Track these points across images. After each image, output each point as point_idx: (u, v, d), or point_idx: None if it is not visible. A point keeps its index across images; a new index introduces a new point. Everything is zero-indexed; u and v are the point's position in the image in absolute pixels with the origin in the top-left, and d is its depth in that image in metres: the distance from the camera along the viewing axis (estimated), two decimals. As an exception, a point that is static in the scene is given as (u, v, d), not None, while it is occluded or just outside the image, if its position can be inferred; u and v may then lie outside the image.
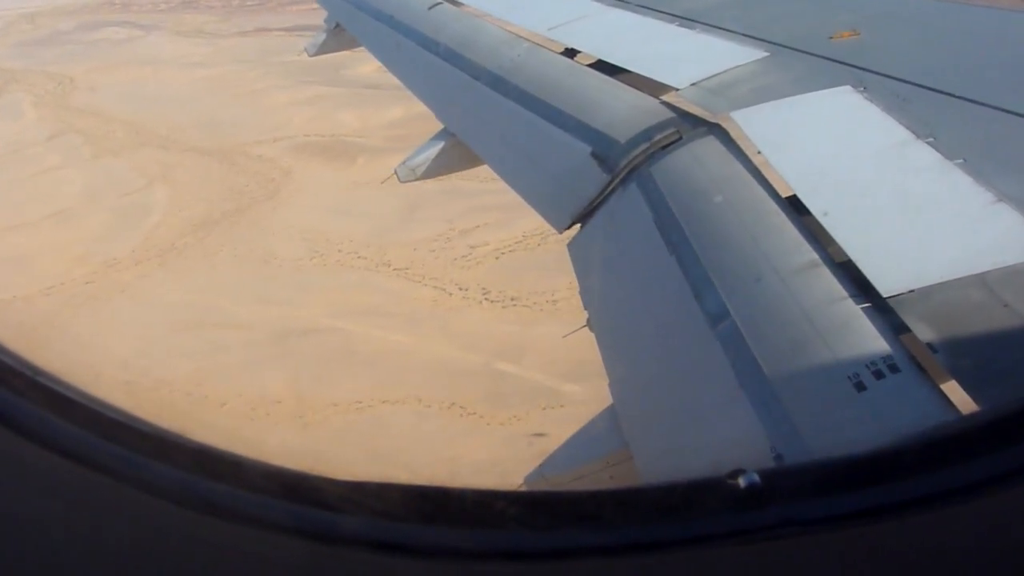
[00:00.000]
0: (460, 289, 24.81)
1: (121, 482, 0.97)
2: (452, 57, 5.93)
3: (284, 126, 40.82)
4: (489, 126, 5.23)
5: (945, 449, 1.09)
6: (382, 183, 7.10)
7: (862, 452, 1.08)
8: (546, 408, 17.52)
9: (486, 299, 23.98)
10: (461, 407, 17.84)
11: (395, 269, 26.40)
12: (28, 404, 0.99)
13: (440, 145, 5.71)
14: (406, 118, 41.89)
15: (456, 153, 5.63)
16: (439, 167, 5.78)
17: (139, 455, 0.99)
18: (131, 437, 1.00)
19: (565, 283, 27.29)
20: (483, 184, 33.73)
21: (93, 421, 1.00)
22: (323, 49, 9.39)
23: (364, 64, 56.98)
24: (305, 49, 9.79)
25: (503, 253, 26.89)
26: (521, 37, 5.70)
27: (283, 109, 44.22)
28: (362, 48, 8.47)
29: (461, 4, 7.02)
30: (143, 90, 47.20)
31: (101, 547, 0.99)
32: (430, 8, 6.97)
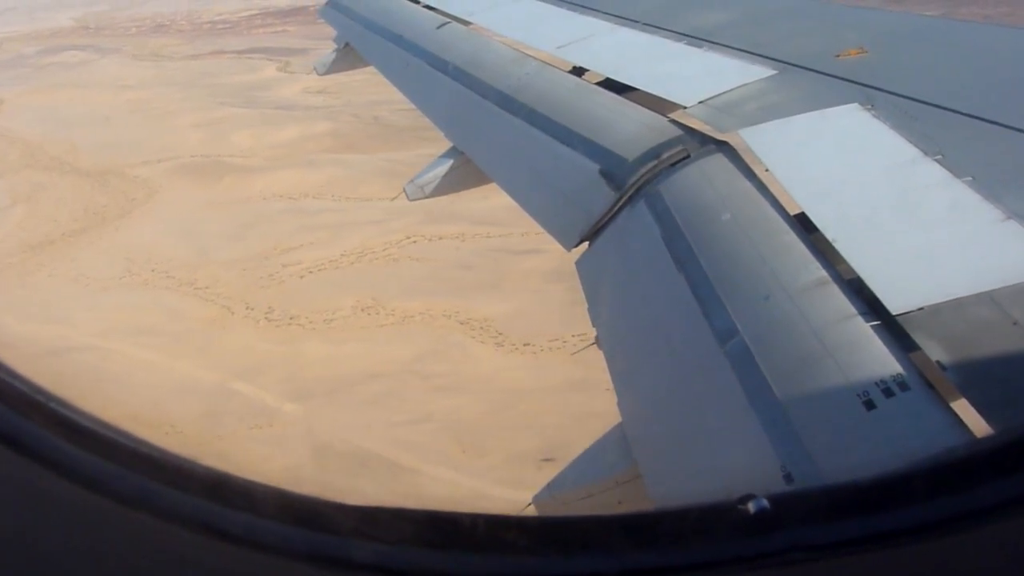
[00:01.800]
0: (247, 308, 24.78)
1: (137, 510, 0.96)
2: (460, 76, 5.90)
3: (176, 147, 40.53)
4: (497, 144, 5.20)
5: (957, 473, 1.05)
6: (391, 200, 7.31)
7: (872, 476, 1.04)
8: (254, 427, 18.14)
9: (266, 318, 24.12)
10: (171, 426, 18.09)
11: (196, 288, 26.17)
12: (44, 432, 0.97)
13: (449, 163, 5.65)
14: (297, 138, 42.22)
15: (464, 171, 5.58)
16: (447, 185, 5.78)
17: (154, 483, 0.98)
18: (146, 465, 0.98)
19: (350, 302, 27.51)
20: (328, 203, 33.65)
21: (108, 449, 0.99)
22: (333, 68, 9.35)
23: (290, 85, 57.22)
24: (315, 68, 9.69)
25: (311, 272, 27.17)
26: (529, 56, 5.69)
27: (184, 130, 43.98)
28: (360, 67, 8.57)
29: (469, 23, 6.98)
30: (63, 113, 47.98)
31: (118, 574, 0.98)
32: (438, 27, 6.98)
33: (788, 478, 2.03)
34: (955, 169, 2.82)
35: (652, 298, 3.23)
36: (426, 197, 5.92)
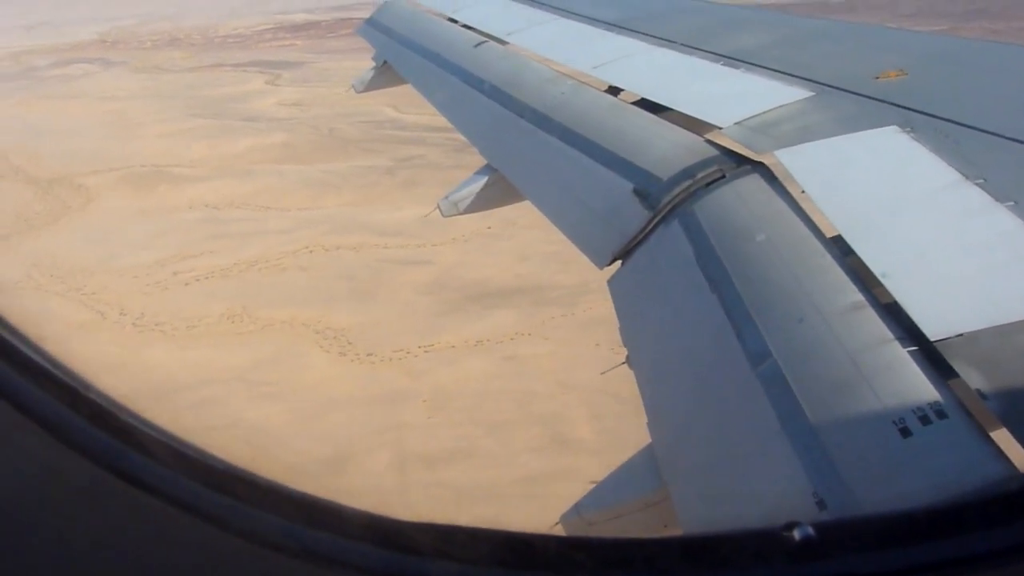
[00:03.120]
0: (120, 314, 25.78)
1: (227, 531, 1.00)
2: (496, 94, 5.93)
3: (131, 157, 42.20)
4: (532, 162, 5.20)
5: (1005, 506, 1.04)
6: (424, 217, 6.92)
7: (920, 507, 1.11)
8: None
9: (133, 323, 25.13)
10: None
11: (81, 294, 27.21)
12: (142, 456, 1.01)
13: (483, 180, 5.66)
14: (248, 149, 43.65)
15: (499, 188, 5.58)
16: (481, 202, 5.76)
17: (245, 504, 1.02)
18: (237, 486, 1.03)
19: (220, 310, 28.37)
20: (248, 212, 34.71)
21: (201, 471, 1.02)
22: (370, 86, 9.53)
23: (269, 97, 59.11)
24: (353, 86, 9.86)
25: (198, 280, 28.10)
26: (565, 75, 5.70)
27: (146, 141, 45.88)
28: (397, 85, 8.73)
29: (506, 43, 7.05)
30: (42, 123, 50.75)
31: None
32: (475, 46, 7.08)
33: (821, 504, 1.99)
34: (997, 194, 2.77)
35: (684, 318, 3.19)
36: (460, 214, 5.96)
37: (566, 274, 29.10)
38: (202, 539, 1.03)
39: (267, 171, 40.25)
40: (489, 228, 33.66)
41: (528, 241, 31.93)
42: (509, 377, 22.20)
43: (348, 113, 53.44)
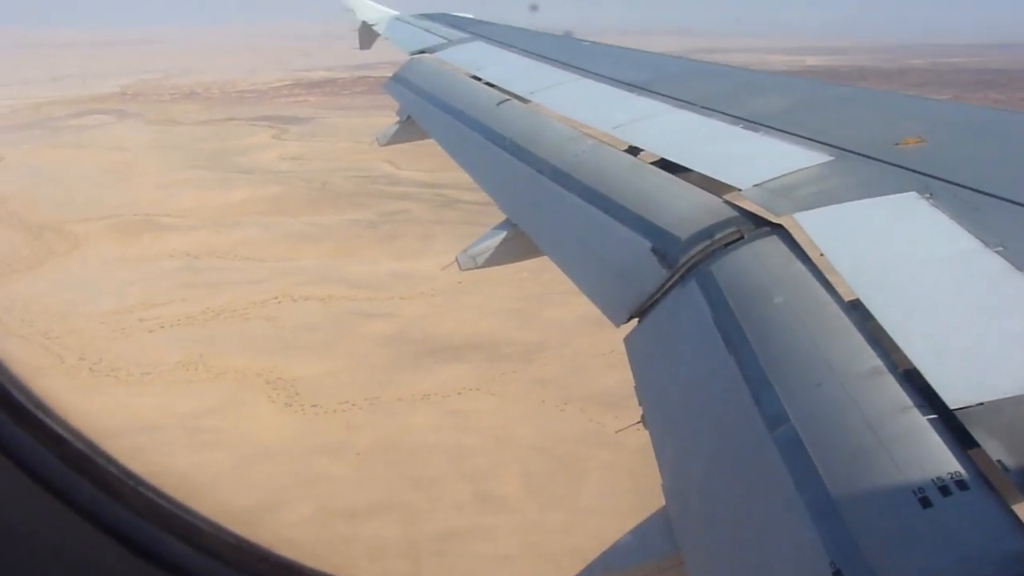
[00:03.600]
0: (79, 359, 26.36)
1: None
2: (517, 151, 6.01)
3: (124, 205, 43.46)
4: (551, 218, 5.20)
5: None
6: (442, 270, 6.65)
7: None
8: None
9: (90, 369, 25.94)
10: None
11: (47, 338, 27.89)
12: (174, 541, 1.03)
13: (502, 235, 5.69)
14: (239, 201, 44.73)
15: (517, 243, 5.60)
16: (499, 256, 5.76)
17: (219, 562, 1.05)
18: (270, 569, 1.07)
19: (177, 358, 28.77)
20: (225, 262, 35.28)
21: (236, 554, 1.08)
22: (394, 139, 9.69)
23: (271, 151, 60.73)
24: (377, 139, 10.04)
25: (162, 328, 28.64)
26: (586, 134, 5.78)
27: (144, 190, 47.27)
28: (420, 139, 8.90)
29: (528, 101, 7.18)
30: (48, 170, 52.59)
31: None
32: (498, 104, 7.18)
33: (838, 575, 1.96)
34: (1017, 261, 2.76)
35: (700, 379, 3.14)
36: (477, 267, 5.90)
37: (526, 331, 29.24)
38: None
39: (253, 222, 41.11)
40: (459, 283, 34.03)
41: (495, 297, 32.19)
42: (448, 431, 22.22)
43: (345, 168, 54.54)
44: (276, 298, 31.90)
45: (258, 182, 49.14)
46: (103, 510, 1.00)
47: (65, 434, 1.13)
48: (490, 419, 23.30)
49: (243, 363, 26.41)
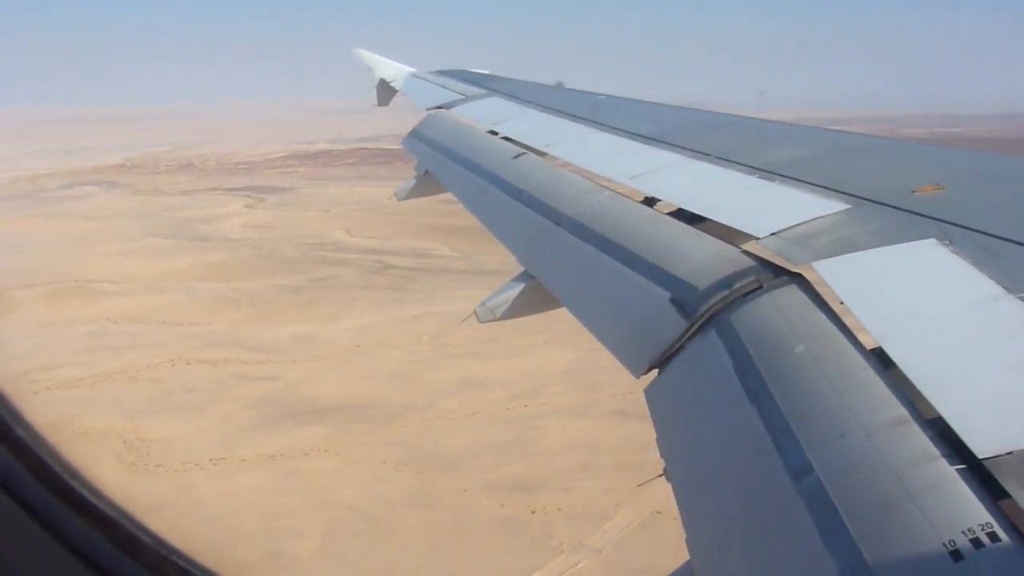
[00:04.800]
0: None
1: None
2: (535, 204, 6.07)
3: (69, 272, 45.13)
4: (569, 270, 5.21)
5: None
6: (462, 322, 6.74)
7: None
8: None
9: None
10: None
11: None
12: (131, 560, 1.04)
13: (520, 287, 5.70)
14: (182, 267, 46.05)
15: (535, 295, 5.61)
16: (518, 308, 5.76)
17: None
18: None
19: (46, 419, 29.50)
20: (138, 327, 36.10)
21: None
22: (412, 194, 9.82)
23: (237, 219, 62.50)
24: (395, 194, 10.15)
25: (48, 390, 29.60)
26: (603, 186, 5.83)
27: (95, 257, 48.98)
28: (437, 193, 9.12)
29: (545, 154, 7.29)
30: (12, 239, 55.39)
31: None
32: (515, 157, 7.30)
33: None
34: None
35: (722, 431, 3.10)
36: (496, 320, 5.87)
37: (399, 394, 29.62)
38: None
39: (183, 288, 42.32)
40: (357, 347, 34.60)
41: (386, 360, 32.69)
42: (275, 492, 22.52)
43: (300, 235, 55.90)
44: (171, 361, 32.73)
45: (207, 249, 50.67)
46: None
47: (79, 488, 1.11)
48: (322, 480, 23.57)
49: (109, 424, 27.07)
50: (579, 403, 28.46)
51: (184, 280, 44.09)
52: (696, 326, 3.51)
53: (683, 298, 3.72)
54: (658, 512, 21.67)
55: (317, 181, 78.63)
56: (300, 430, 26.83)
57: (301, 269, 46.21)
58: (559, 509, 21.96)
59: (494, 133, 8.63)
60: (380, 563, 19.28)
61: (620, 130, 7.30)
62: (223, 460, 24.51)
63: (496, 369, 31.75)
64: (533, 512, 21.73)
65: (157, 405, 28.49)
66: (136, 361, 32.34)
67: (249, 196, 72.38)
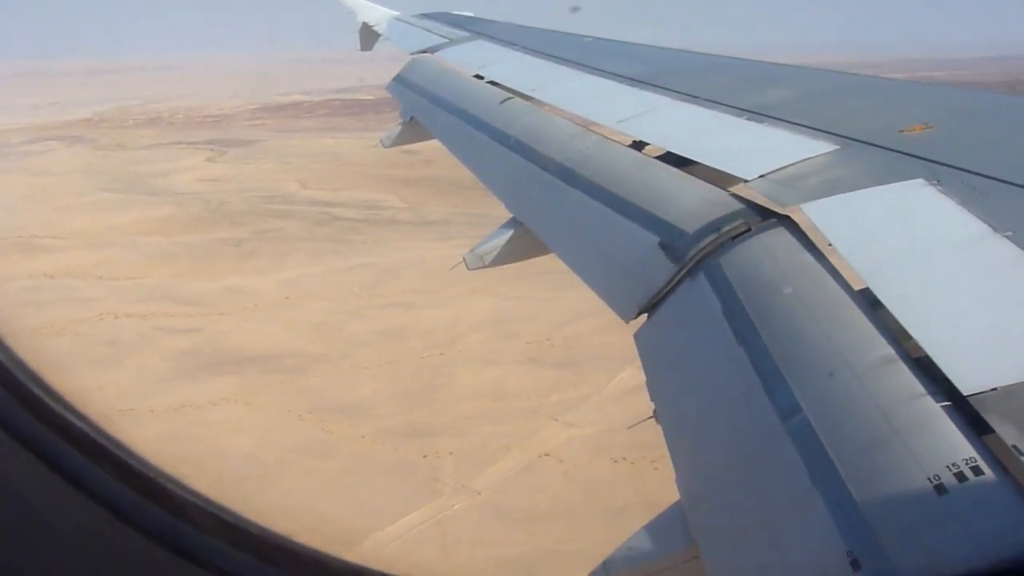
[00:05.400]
0: None
1: (204, 570, 0.99)
2: (522, 149, 6.05)
3: (14, 228, 45.13)
4: (557, 216, 5.23)
5: None
6: (450, 270, 6.75)
7: (955, 573, 0.96)
8: None
9: None
10: None
11: None
12: (149, 503, 1.03)
13: (509, 233, 5.74)
14: (128, 222, 46.00)
15: (524, 242, 5.65)
16: (507, 255, 5.79)
17: (263, 563, 1.02)
18: (257, 545, 1.05)
19: None
20: (77, 281, 36.33)
21: (226, 531, 1.05)
22: (398, 141, 9.67)
23: (194, 173, 62.22)
24: (380, 141, 10.03)
25: None
26: (590, 130, 5.79)
27: (44, 213, 48.86)
28: (424, 140, 9.00)
29: (531, 99, 7.21)
30: None
31: None
32: (501, 102, 7.24)
33: (855, 564, 1.96)
34: None
35: (712, 373, 3.15)
36: (485, 267, 5.90)
37: (319, 343, 29.94)
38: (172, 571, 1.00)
39: (127, 243, 42.38)
40: (287, 298, 34.86)
41: (311, 311, 32.98)
42: (177, 440, 22.92)
43: (252, 188, 55.73)
44: (100, 315, 32.95)
45: (156, 203, 50.52)
46: (131, 505, 1.00)
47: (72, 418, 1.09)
48: (225, 428, 23.98)
49: (24, 377, 27.38)
50: (493, 351, 28.78)
51: (128, 235, 44.10)
52: (685, 270, 3.55)
53: (672, 242, 3.76)
54: (546, 455, 22.07)
55: (283, 133, 78.02)
56: (214, 381, 27.17)
57: (246, 222, 46.15)
58: (451, 453, 22.37)
59: (480, 77, 8.56)
60: (260, 507, 19.68)
61: (607, 72, 7.27)
62: (132, 411, 24.88)
63: (419, 319, 32.02)
64: (425, 456, 22.15)
65: (75, 358, 28.78)
66: (64, 315, 32.54)
67: (211, 150, 71.88)
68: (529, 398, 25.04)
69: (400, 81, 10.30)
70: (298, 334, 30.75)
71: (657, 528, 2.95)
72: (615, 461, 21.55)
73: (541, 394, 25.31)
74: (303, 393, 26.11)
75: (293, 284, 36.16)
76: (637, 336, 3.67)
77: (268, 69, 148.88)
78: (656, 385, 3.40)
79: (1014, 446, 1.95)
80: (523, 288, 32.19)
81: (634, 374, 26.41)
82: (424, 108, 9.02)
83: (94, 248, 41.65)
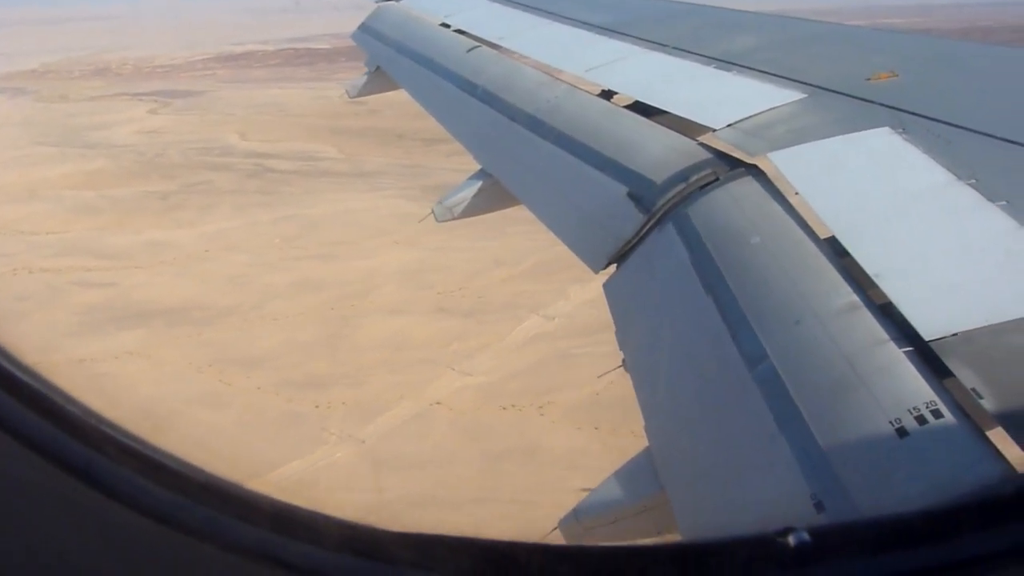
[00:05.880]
0: None
1: (203, 541, 1.00)
2: (490, 99, 5.99)
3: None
4: (526, 167, 5.20)
5: (1003, 507, 1.06)
6: (419, 222, 6.64)
7: (916, 510, 1.09)
8: None
9: None
10: None
11: None
12: (115, 465, 1.01)
13: (477, 185, 5.71)
14: (58, 175, 45.36)
15: (493, 193, 5.63)
16: (476, 207, 5.79)
17: (221, 514, 1.01)
18: (213, 497, 1.03)
19: None
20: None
21: (177, 481, 1.03)
22: (364, 91, 9.59)
23: (133, 126, 61.01)
24: (347, 91, 9.94)
25: None
26: (558, 79, 5.75)
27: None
28: (390, 90, 8.85)
29: (499, 47, 7.11)
30: None
31: None
32: (468, 51, 7.14)
33: (819, 506, 2.01)
34: (989, 193, 2.78)
35: (680, 322, 3.18)
36: (454, 219, 5.90)
37: (232, 296, 29.88)
38: (177, 551, 1.01)
39: (53, 196, 41.78)
40: (206, 251, 34.68)
41: (229, 264, 32.83)
42: (74, 394, 23.03)
43: (190, 140, 54.94)
44: (14, 270, 32.62)
45: (89, 157, 49.69)
46: (93, 467, 1.00)
47: (49, 393, 1.10)
48: (123, 382, 24.02)
49: (-74, 333, 27.18)
50: (405, 301, 28.84)
51: (57, 188, 43.42)
52: (654, 220, 3.57)
53: (640, 193, 3.77)
54: (437, 403, 22.30)
55: (233, 84, 76.47)
56: (119, 335, 27.07)
57: (178, 175, 45.54)
58: (343, 403, 22.54)
59: (446, 26, 8.43)
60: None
61: (575, 20, 7.21)
62: (34, 366, 24.81)
63: (337, 270, 31.94)
64: (317, 407, 22.30)
65: (-20, 313, 28.58)
66: None
67: (156, 101, 70.46)
68: (430, 348, 25.19)
69: (365, 30, 10.16)
70: (212, 287, 30.62)
71: (626, 475, 3.02)
72: (503, 408, 21.81)
73: (442, 343, 25.47)
74: (208, 346, 26.12)
75: (215, 237, 35.85)
76: (606, 286, 3.69)
77: (230, 18, 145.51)
78: (625, 335, 3.45)
79: (973, 389, 2.00)
80: (447, 239, 32.14)
81: (537, 323, 26.61)
82: (390, 57, 8.95)
83: (20, 202, 41.01)
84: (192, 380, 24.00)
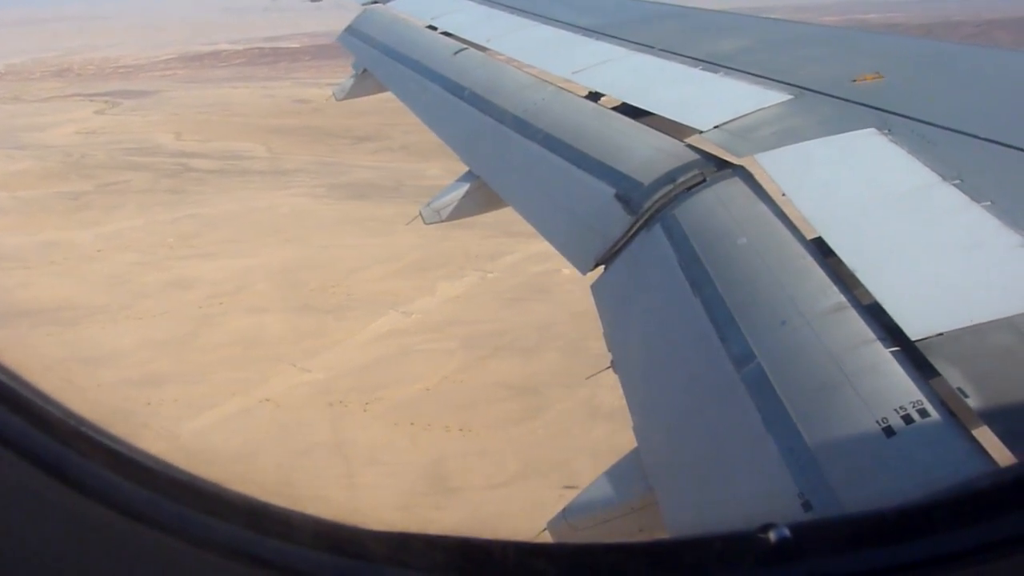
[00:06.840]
0: None
1: (172, 536, 0.99)
2: (477, 101, 6.00)
3: None
4: (513, 168, 5.21)
5: (982, 503, 1.07)
6: (407, 224, 6.68)
7: (896, 506, 1.09)
8: None
9: None
10: None
11: None
12: (85, 460, 1.00)
13: (465, 187, 5.72)
14: (13, 172, 45.17)
15: (480, 195, 5.64)
16: (463, 209, 5.79)
17: (190, 510, 1.01)
18: (183, 492, 1.02)
19: None
20: None
21: (146, 477, 1.02)
22: (351, 94, 9.58)
23: (74, 126, 61.23)
24: (333, 93, 9.92)
25: None
26: (545, 81, 5.76)
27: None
28: (377, 92, 8.86)
29: (486, 49, 7.15)
30: None
31: None
32: (455, 53, 7.15)
33: (806, 505, 2.01)
34: (973, 194, 2.79)
35: (668, 322, 3.20)
36: (442, 221, 5.90)
37: (105, 296, 30.07)
38: (150, 547, 1.00)
39: (-37, 199, 42.13)
40: (99, 251, 34.90)
41: (115, 264, 33.04)
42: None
43: (123, 140, 55.13)
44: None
45: (17, 158, 49.93)
46: (64, 462, 1.00)
47: (20, 389, 1.10)
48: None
49: None
50: (272, 299, 28.94)
51: (26, 183, 43.71)
52: (641, 221, 3.58)
53: (628, 194, 3.78)
54: (266, 400, 22.43)
55: (188, 84, 76.63)
56: (-18, 334, 27.32)
57: (97, 175, 45.73)
58: (175, 400, 22.66)
59: (433, 28, 8.45)
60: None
61: (562, 22, 7.22)
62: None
63: (216, 268, 32.05)
64: (148, 404, 22.39)
65: None
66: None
67: (106, 101, 70.66)
68: (281, 345, 25.31)
69: (352, 32, 10.13)
70: (90, 287, 30.80)
71: (614, 476, 3.02)
72: (330, 404, 21.92)
73: (294, 340, 25.59)
74: (65, 345, 26.28)
75: (112, 237, 36.03)
76: (594, 287, 3.70)
77: (216, 17, 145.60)
78: (613, 335, 3.46)
79: (959, 388, 2.02)
80: (339, 236, 32.27)
81: (393, 319, 26.70)
82: (376, 60, 8.90)
83: (-74, 205, 41.36)
84: (33, 378, 24.18)
